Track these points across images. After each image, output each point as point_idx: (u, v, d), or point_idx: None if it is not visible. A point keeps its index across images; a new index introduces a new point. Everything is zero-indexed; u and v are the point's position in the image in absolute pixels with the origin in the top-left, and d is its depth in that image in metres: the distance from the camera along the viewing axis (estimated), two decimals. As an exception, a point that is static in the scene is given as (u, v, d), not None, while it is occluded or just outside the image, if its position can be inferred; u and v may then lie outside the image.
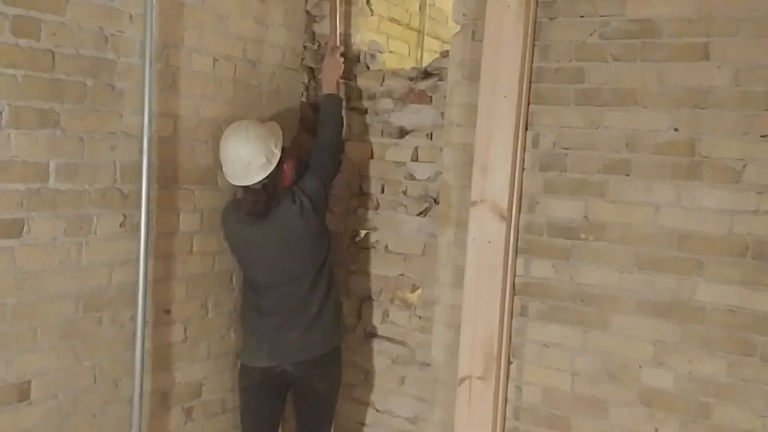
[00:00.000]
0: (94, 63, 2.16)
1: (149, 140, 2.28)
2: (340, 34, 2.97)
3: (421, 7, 4.00)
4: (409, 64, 3.74)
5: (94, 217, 2.23)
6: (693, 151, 2.28)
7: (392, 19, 3.68)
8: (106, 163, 2.25)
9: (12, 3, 1.92)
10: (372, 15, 3.23)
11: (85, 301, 2.24)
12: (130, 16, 2.24)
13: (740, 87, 2.20)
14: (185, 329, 2.64)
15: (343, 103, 2.92)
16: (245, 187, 2.53)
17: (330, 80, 2.87)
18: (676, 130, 2.30)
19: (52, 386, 2.19)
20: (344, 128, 2.90)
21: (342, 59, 2.93)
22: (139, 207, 2.33)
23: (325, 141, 2.74)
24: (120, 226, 2.31)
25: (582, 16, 2.44)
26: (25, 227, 2.04)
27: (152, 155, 2.30)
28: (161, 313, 2.52)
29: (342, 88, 2.99)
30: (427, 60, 4.08)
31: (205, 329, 2.73)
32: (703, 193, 2.27)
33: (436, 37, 4.23)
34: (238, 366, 2.77)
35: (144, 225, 2.31)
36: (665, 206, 2.34)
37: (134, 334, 2.37)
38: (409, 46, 3.96)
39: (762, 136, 2.17)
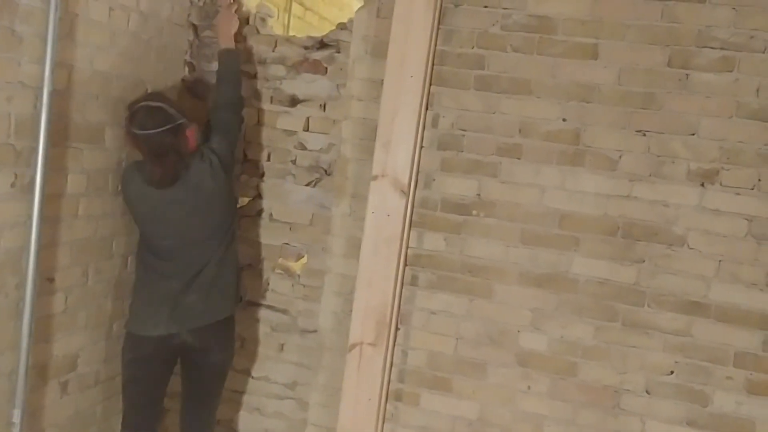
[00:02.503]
0: (-4, 2, 1.92)
1: (49, 93, 2.08)
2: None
3: (292, -28, 3.95)
4: (277, 29, 3.70)
5: (-14, 176, 2.00)
6: (578, 140, 2.55)
7: (265, -19, 3.60)
8: (2, 115, 2.01)
9: None
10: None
11: (-28, 268, 2.01)
12: (32, -47, 2.01)
13: (622, 86, 2.49)
14: (66, 298, 2.45)
15: (241, 58, 2.83)
16: (152, 159, 2.41)
17: (226, 35, 2.78)
18: (564, 120, 2.56)
19: (-66, 364, 1.95)
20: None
21: (236, 16, 2.84)
22: (30, 166, 2.12)
23: (226, 98, 2.68)
24: (11, 186, 2.09)
25: (486, 7, 2.60)
26: None
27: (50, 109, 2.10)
28: (44, 282, 2.31)
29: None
30: (294, 26, 4.06)
31: (84, 298, 2.55)
32: (584, 179, 2.55)
33: (300, 3, 4.21)
34: (125, 336, 2.61)
35: (39, 185, 2.11)
36: (550, 188, 2.59)
37: (18, 304, 2.17)
38: (278, 10, 3.90)
39: (637, 131, 2.48)
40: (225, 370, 2.75)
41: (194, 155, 2.49)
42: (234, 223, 2.69)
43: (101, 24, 2.36)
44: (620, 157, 2.51)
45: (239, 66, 2.78)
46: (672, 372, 2.49)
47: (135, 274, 2.65)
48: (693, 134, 2.42)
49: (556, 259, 2.60)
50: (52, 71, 2.07)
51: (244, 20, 2.98)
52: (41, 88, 2.08)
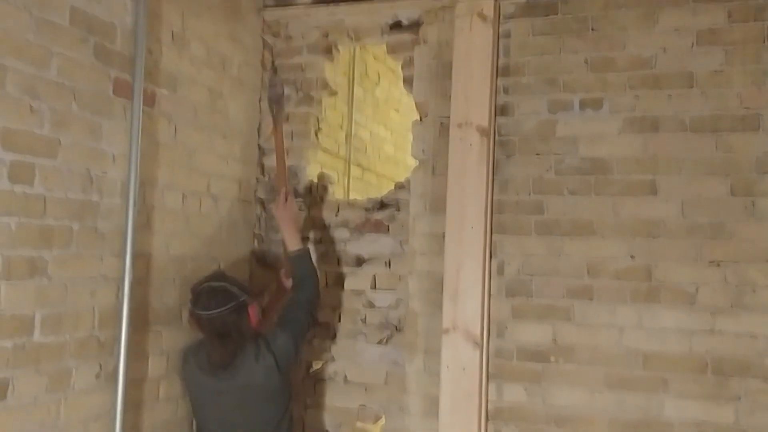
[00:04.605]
0: (81, 206, 2.06)
1: (130, 282, 2.18)
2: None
3: (347, 138, 4.15)
4: (338, 193, 3.85)
5: (73, 370, 2.06)
6: (650, 276, 2.50)
7: (324, 150, 3.79)
8: (86, 309, 2.11)
9: (10, 148, 1.83)
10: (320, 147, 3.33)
11: (61, 466, 2.03)
12: (113, 156, 2.19)
13: (687, 218, 2.46)
14: (149, 484, 2.44)
15: (310, 256, 2.81)
16: (213, 339, 2.43)
17: (292, 234, 2.73)
18: (632, 257, 2.52)
19: None
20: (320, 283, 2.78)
21: (296, 206, 2.88)
22: (113, 354, 2.19)
23: (302, 297, 2.66)
24: (96, 377, 2.15)
25: (538, 154, 2.66)
26: (10, 388, 1.85)
27: (131, 299, 2.20)
28: (129, 471, 2.32)
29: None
30: (354, 187, 4.22)
31: (167, 481, 2.53)
32: (663, 315, 2.47)
33: (358, 165, 4.39)
34: None
35: (122, 373, 2.16)
36: (628, 328, 2.51)
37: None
38: (337, 174, 4.07)
39: (710, 262, 2.42)
40: None
41: (251, 349, 2.45)
42: (286, 418, 2.59)
43: (175, 211, 2.51)
44: (697, 289, 2.44)
45: (313, 265, 2.75)
46: None
47: None
48: (770, 260, 2.35)
49: (646, 402, 2.48)
50: (132, 262, 2.19)
51: (306, 190, 3.11)
52: (122, 279, 2.19)
